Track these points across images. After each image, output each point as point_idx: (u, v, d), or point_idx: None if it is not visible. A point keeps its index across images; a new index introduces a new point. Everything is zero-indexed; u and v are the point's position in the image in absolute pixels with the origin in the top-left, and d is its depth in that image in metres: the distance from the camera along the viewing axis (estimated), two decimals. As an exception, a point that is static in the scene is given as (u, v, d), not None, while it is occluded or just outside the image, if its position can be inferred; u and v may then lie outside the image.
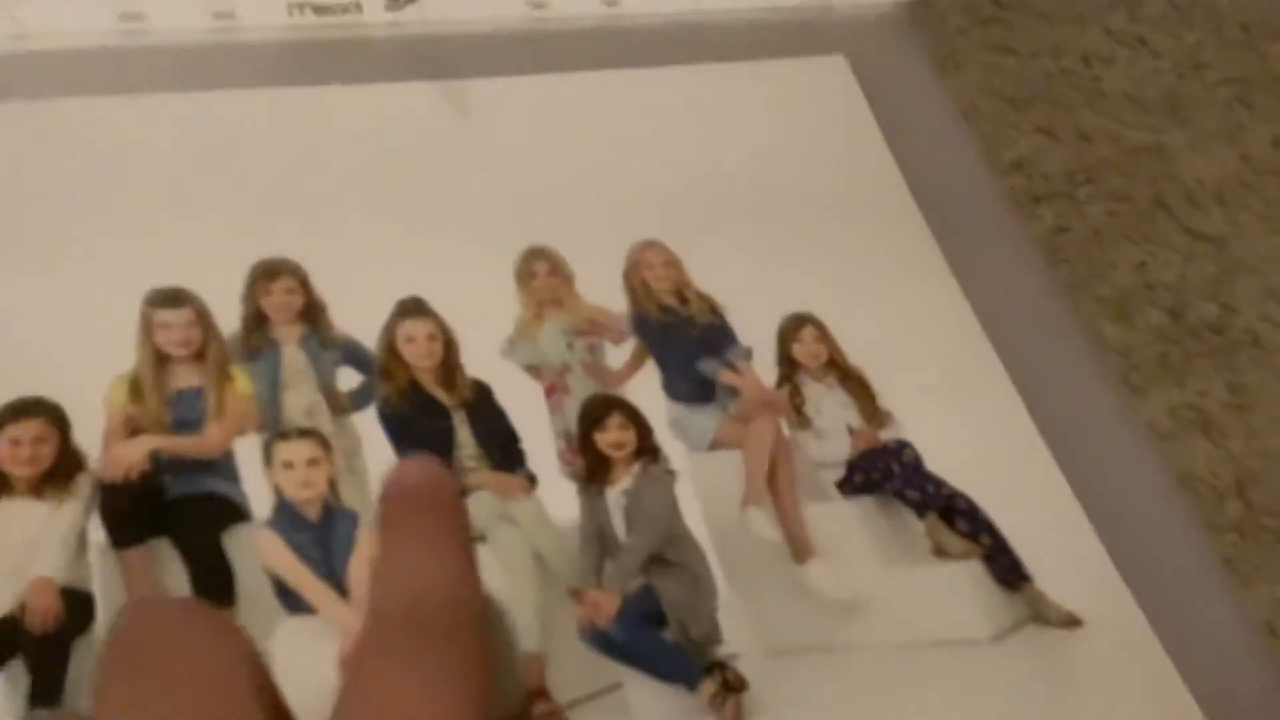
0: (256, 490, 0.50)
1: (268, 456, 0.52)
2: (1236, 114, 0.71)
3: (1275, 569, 0.55)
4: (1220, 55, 0.73)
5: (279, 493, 0.50)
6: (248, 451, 0.51)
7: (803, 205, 0.63)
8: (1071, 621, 0.54)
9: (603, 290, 0.59)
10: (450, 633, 0.19)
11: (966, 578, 0.56)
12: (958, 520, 0.57)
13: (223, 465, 0.52)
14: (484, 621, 0.19)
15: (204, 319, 0.54)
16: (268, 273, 0.56)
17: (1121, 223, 0.66)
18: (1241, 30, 0.75)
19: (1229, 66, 0.73)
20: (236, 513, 0.52)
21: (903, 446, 0.60)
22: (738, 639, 0.51)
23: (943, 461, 0.57)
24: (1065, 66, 0.72)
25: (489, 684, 0.19)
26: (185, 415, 0.52)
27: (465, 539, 0.21)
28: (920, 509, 0.58)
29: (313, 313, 0.56)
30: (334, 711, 0.18)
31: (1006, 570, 0.56)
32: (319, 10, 0.62)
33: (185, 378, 0.53)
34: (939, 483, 0.59)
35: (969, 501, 0.58)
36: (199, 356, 0.54)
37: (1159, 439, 0.58)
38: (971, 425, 0.58)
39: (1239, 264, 0.64)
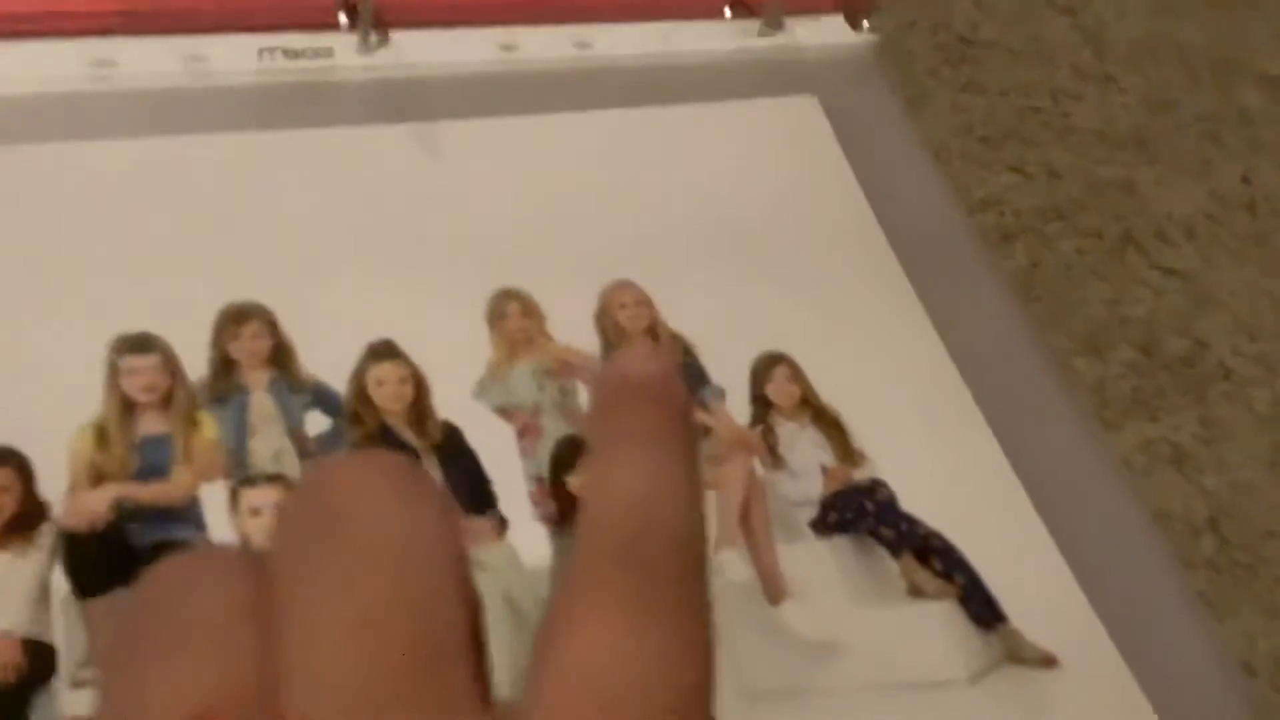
0: (223, 538, 0.50)
1: (234, 503, 0.51)
2: (1205, 150, 0.72)
3: (1250, 605, 0.55)
4: (1188, 92, 0.74)
5: (245, 540, 0.50)
6: (214, 498, 0.51)
7: (775, 245, 0.63)
8: (1048, 661, 0.54)
9: (575, 331, 0.59)
10: (683, 582, 0.15)
11: (942, 618, 0.55)
12: (933, 559, 0.57)
13: (188, 513, 0.52)
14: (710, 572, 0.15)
15: (171, 364, 0.54)
16: (236, 317, 0.56)
17: (1092, 259, 0.66)
18: (1209, 66, 0.75)
19: (1197, 103, 0.73)
20: (203, 561, 0.52)
21: (877, 485, 0.60)
22: (711, 683, 0.50)
23: (917, 500, 0.57)
24: (1034, 104, 0.72)
25: (714, 656, 0.15)
26: (151, 462, 0.52)
27: (698, 458, 0.16)
28: (895, 548, 0.58)
29: (281, 357, 0.56)
30: (532, 671, 0.14)
31: (982, 610, 0.56)
32: (290, 54, 0.63)
33: (151, 424, 0.53)
34: (913, 521, 0.59)
35: (944, 540, 0.58)
36: (165, 403, 0.53)
37: (1133, 474, 0.58)
38: (945, 463, 0.58)
39: (1209, 298, 0.65)
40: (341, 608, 0.14)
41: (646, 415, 0.16)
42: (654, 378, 0.16)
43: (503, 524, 0.56)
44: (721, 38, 0.70)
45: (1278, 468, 0.59)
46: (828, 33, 0.71)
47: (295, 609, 0.14)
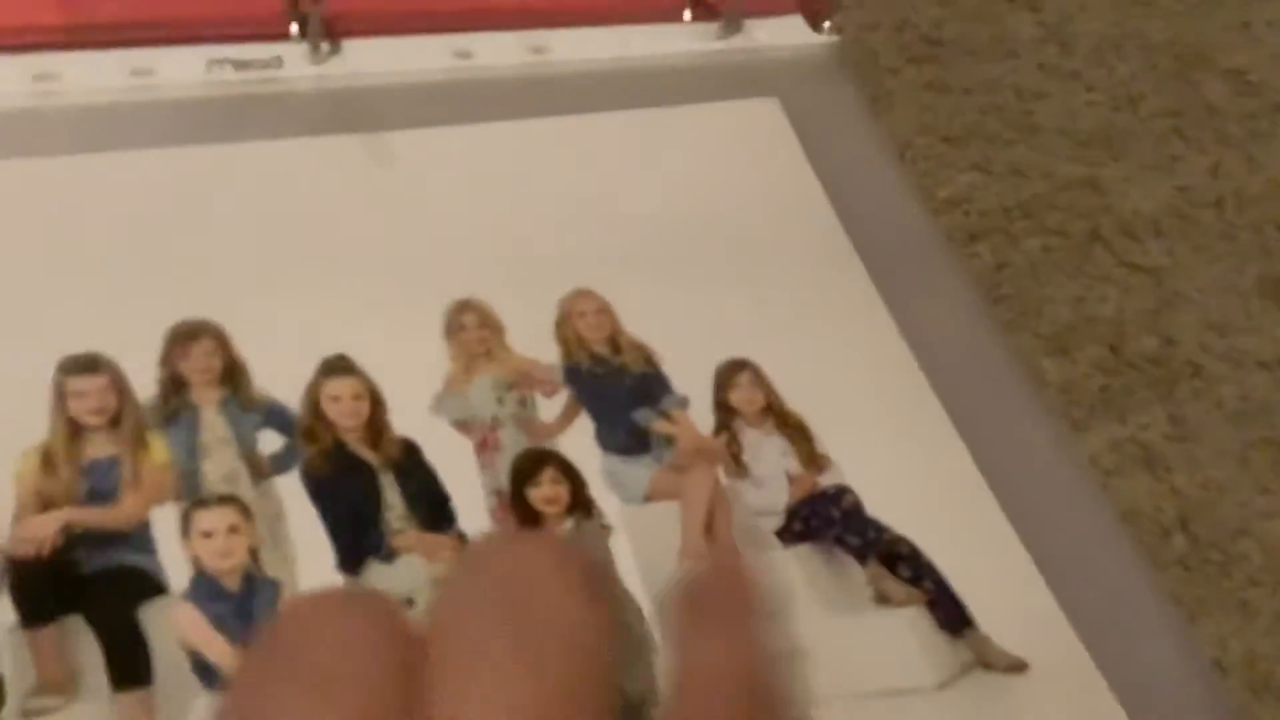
0: (174, 562, 0.49)
1: (185, 526, 0.50)
2: (1171, 145, 0.71)
3: (1221, 604, 0.55)
4: (1154, 87, 0.73)
5: (197, 564, 0.49)
6: (164, 522, 0.49)
7: (737, 249, 0.62)
8: (1017, 666, 0.54)
9: (535, 342, 0.58)
10: None
11: (910, 625, 0.55)
12: (900, 566, 0.56)
13: (138, 537, 0.51)
14: None
15: (119, 385, 0.53)
16: (185, 335, 0.55)
17: (1059, 257, 0.65)
18: (1175, 61, 0.75)
19: (1163, 98, 0.73)
20: (153, 586, 0.51)
21: (842, 492, 0.59)
22: (676, 698, 0.49)
23: (883, 505, 0.56)
24: (999, 103, 0.72)
25: None
26: (99, 486, 0.51)
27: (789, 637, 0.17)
28: (861, 555, 0.57)
29: (233, 375, 0.55)
30: None
31: (950, 616, 0.55)
32: (239, 65, 0.62)
33: (100, 447, 0.52)
34: (880, 528, 0.58)
35: (911, 546, 0.57)
36: (114, 424, 0.52)
37: (1102, 475, 0.58)
38: (912, 468, 0.57)
39: (1177, 295, 0.64)
40: (515, 701, 0.14)
41: (730, 592, 0.17)
42: (730, 568, 0.17)
43: (462, 541, 0.55)
44: (680, 41, 0.69)
45: (1248, 465, 0.58)
46: (788, 34, 0.70)
47: (466, 690, 0.14)
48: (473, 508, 0.53)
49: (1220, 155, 0.71)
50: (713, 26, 0.70)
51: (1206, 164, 0.71)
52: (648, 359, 0.61)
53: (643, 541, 0.56)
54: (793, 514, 0.58)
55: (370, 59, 0.65)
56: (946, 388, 0.58)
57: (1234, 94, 0.74)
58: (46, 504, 0.50)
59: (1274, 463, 0.59)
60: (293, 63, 0.63)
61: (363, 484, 0.54)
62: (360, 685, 0.14)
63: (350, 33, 0.64)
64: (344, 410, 0.56)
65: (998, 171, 0.69)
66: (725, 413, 0.60)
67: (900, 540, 0.56)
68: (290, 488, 0.52)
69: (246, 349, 0.54)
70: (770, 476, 0.59)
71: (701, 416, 0.58)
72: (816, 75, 0.70)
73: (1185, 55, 0.75)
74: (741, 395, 0.60)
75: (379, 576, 0.55)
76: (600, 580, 0.16)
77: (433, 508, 0.56)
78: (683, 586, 0.17)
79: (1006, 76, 0.73)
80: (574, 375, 0.60)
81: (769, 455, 0.60)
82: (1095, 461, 0.58)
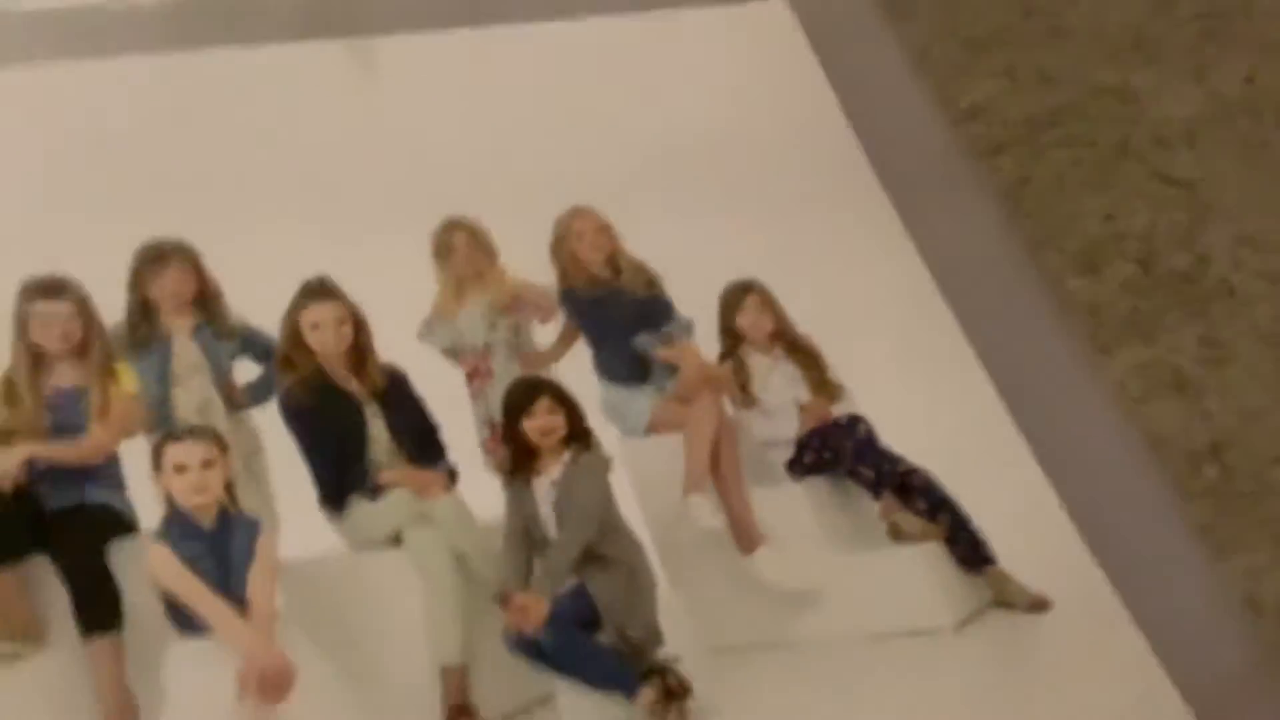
0: (145, 498, 0.46)
1: (157, 460, 0.48)
2: (1206, 50, 0.67)
3: (1254, 537, 0.52)
4: (1188, -13, 0.69)
5: (170, 500, 0.46)
6: (135, 455, 0.47)
7: (744, 163, 0.59)
8: (1039, 604, 0.51)
9: (530, 264, 0.55)
10: None
11: (926, 562, 0.52)
12: (915, 499, 0.54)
13: (107, 472, 0.48)
14: None
15: (86, 311, 0.50)
16: (156, 257, 0.52)
17: (1086, 170, 0.62)
18: (1210, -40, 0.70)
19: (1197, 0, 0.68)
20: (123, 524, 0.48)
21: (855, 422, 0.56)
22: (679, 639, 0.47)
23: (899, 435, 0.53)
24: (1026, 5, 0.67)
25: None
26: (65, 418, 0.48)
27: None
28: (875, 488, 0.55)
29: (206, 300, 0.52)
30: None
31: (969, 552, 0.53)
32: (209, -34, 0.57)
33: (65, 376, 0.49)
34: (895, 459, 0.55)
35: (926, 478, 0.54)
36: (81, 352, 0.49)
37: (1129, 401, 0.55)
38: (929, 395, 0.54)
39: (1211, 209, 0.61)
40: None
41: None
42: None
43: (452, 476, 0.52)
44: (684, -62, 0.65)
45: (1284, 390, 0.55)
46: (800, -70, 0.66)
47: None
48: (464, 440, 0.51)
49: (1257, 60, 0.67)
50: (719, -77, 0.66)
51: (1242, 68, 0.66)
52: (649, 282, 0.58)
53: (644, 475, 0.53)
54: (803, 445, 0.55)
55: (351, -42, 0.61)
56: (966, 310, 0.55)
57: (1274, -6, 0.70)
58: (9, 437, 0.47)
59: (1312, 388, 0.56)
60: (268, -37, 0.59)
61: (346, 416, 0.52)
62: None
63: (329, -70, 0.60)
64: (326, 337, 0.53)
65: (1023, 78, 0.65)
66: (732, 338, 0.57)
67: (916, 472, 0.53)
68: (268, 419, 0.49)
69: (221, 272, 0.51)
70: (779, 406, 0.56)
71: (707, 342, 0.55)
72: (830, -25, 0.66)
73: (1223, -47, 0.70)
74: (749, 319, 0.57)
75: (364, 514, 0.52)
76: None
77: (420, 440, 0.53)
78: None
79: (1033, -24, 0.68)
80: (571, 299, 0.57)
81: (778, 383, 0.58)
82: (1122, 387, 0.55)
